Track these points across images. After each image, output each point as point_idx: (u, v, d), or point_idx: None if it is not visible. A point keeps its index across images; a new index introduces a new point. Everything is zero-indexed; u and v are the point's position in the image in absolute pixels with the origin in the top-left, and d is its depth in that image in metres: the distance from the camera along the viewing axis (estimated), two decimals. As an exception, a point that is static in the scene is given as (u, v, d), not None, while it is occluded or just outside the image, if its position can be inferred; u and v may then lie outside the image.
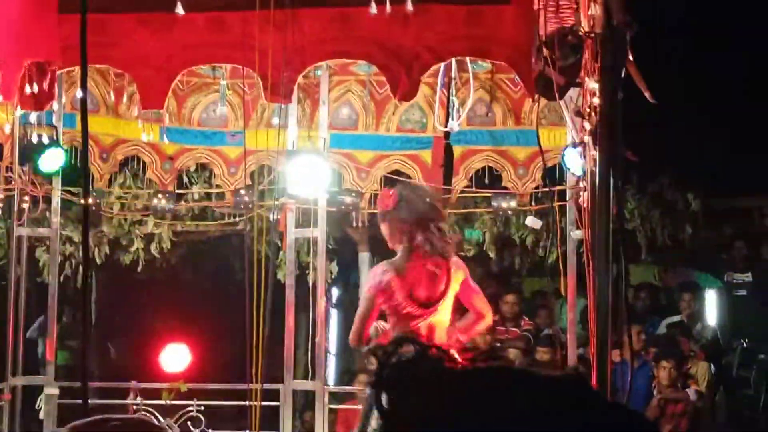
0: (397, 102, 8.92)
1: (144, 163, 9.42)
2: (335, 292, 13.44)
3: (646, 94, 4.88)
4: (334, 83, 9.05)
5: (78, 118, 8.77)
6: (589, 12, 4.73)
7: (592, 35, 4.73)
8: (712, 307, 12.35)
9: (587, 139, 5.24)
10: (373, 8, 6.84)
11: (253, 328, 6.59)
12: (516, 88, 8.91)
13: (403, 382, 1.33)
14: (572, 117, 6.49)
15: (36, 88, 6.47)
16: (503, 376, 1.34)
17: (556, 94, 5.46)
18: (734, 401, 11.58)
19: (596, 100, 4.70)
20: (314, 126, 8.86)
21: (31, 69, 6.46)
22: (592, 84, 4.80)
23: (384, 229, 6.41)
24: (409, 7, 6.85)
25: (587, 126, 5.16)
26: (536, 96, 6.54)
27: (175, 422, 8.80)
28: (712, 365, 10.08)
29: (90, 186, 6.68)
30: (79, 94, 8.50)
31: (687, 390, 9.20)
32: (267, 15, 6.73)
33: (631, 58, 4.64)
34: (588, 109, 5.09)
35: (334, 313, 13.20)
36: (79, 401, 8.74)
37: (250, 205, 9.12)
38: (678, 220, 12.14)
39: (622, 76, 4.56)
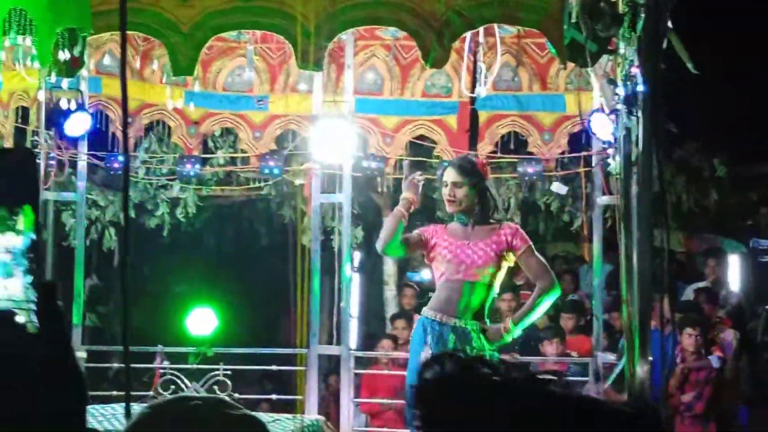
0: (423, 66, 8.91)
1: (169, 127, 9.42)
2: (357, 256, 13.46)
3: (688, 65, 4.85)
4: (360, 48, 9.02)
5: (103, 82, 8.81)
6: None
7: (636, 4, 4.69)
8: (736, 273, 12.31)
9: (621, 106, 5.20)
10: None
11: (297, 295, 6.63)
12: (542, 52, 8.86)
13: (443, 402, 1.26)
14: (602, 84, 6.46)
15: (68, 55, 6.48)
16: (563, 407, 1.24)
17: (589, 61, 5.42)
18: (757, 367, 11.55)
19: (634, 70, 4.68)
20: (339, 91, 8.84)
21: (63, 36, 6.47)
22: (630, 53, 4.77)
23: (472, 192, 6.51)
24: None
25: (621, 93, 5.12)
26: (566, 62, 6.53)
27: (202, 386, 8.85)
28: (737, 332, 10.04)
29: (125, 150, 6.70)
30: (106, 60, 8.56)
31: (709, 357, 9.17)
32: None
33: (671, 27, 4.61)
34: (624, 78, 5.06)
35: (355, 278, 13.24)
36: (106, 366, 8.85)
37: (276, 170, 9.13)
38: (704, 186, 12.09)
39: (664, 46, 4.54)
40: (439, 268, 6.55)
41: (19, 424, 1.19)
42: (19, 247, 5.55)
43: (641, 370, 4.61)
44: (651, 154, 4.45)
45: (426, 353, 6.40)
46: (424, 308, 6.60)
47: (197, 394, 2.08)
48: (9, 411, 1.18)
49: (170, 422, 1.88)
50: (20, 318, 1.20)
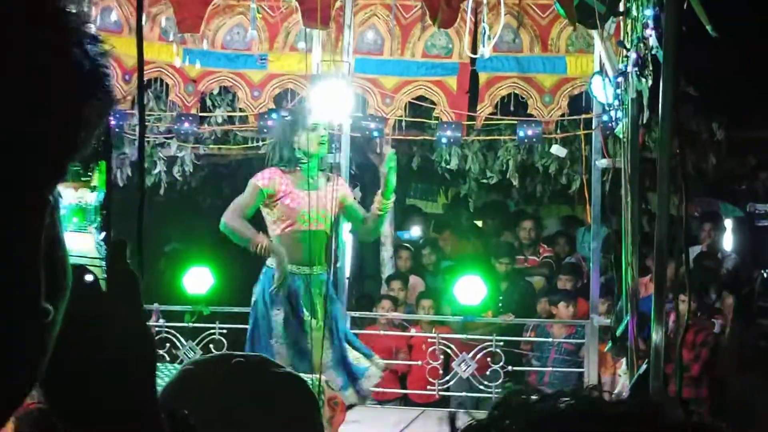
0: (424, 26, 8.85)
1: (167, 85, 9.36)
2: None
3: (708, 28, 4.82)
4: (360, 7, 8.95)
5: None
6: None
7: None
8: (733, 237, 12.29)
9: (631, 69, 5.16)
10: None
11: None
12: (544, 14, 8.81)
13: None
14: (606, 46, 6.40)
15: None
16: None
17: (598, 22, 5.38)
18: (752, 331, 11.57)
19: (648, 32, 4.64)
20: (339, 50, 8.78)
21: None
22: (645, 15, 4.73)
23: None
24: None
25: (632, 56, 5.08)
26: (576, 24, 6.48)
27: (197, 344, 8.86)
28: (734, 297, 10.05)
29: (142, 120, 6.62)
30: (105, 16, 8.49)
31: (713, 321, 9.19)
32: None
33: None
34: (636, 40, 5.01)
35: (349, 239, 13.19)
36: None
37: (274, 129, 9.08)
38: (702, 149, 12.05)
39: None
40: (284, 218, 6.78)
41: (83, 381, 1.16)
42: (92, 204, 5.52)
43: (657, 336, 4.60)
44: (670, 119, 4.42)
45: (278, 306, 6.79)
46: (269, 260, 6.86)
47: (240, 353, 2.07)
48: (74, 366, 1.14)
49: (217, 380, 1.88)
50: (89, 276, 1.15)
